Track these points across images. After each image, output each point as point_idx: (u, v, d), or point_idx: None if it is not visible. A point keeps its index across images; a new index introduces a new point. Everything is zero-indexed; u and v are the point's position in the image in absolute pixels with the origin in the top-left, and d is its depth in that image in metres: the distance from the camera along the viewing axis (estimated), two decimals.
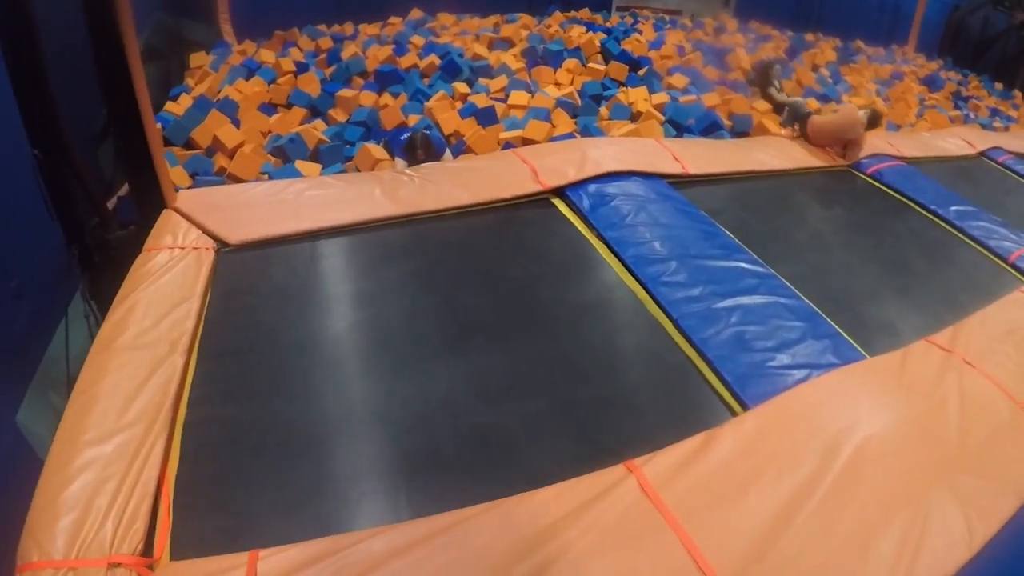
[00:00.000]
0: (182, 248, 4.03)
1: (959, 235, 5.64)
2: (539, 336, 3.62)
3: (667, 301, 3.80)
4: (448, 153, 5.85)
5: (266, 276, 3.99)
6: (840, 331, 3.78)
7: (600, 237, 4.47)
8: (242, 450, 2.84)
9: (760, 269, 4.19)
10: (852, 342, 3.71)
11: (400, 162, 5.58)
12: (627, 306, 3.89)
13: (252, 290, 3.87)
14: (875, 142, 7.13)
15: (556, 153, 5.46)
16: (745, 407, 3.13)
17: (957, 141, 8.44)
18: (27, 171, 3.93)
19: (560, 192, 5.01)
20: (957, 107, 11.35)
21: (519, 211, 4.85)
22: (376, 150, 5.92)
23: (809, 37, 12.94)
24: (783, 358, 3.42)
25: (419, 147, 5.49)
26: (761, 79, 8.68)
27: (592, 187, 4.97)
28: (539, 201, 4.96)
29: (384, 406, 3.10)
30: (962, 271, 5.13)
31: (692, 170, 5.55)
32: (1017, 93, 13.76)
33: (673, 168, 5.48)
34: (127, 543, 2.32)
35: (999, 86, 13.93)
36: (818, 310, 3.92)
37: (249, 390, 3.16)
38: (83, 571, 2.21)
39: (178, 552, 2.39)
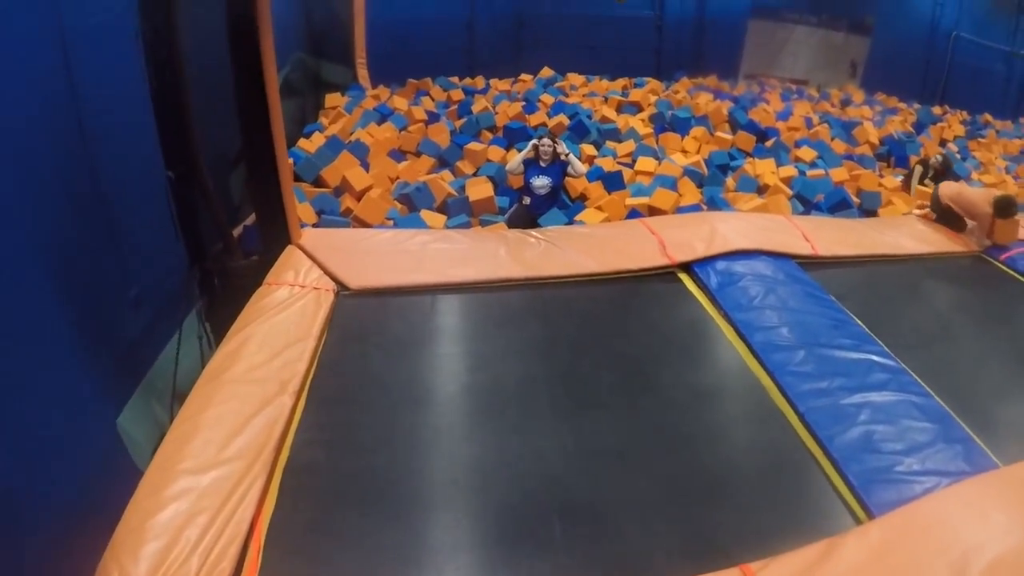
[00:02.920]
0: (303, 287, 4.20)
1: None
2: (656, 417, 3.58)
3: (793, 392, 3.72)
4: (581, 166, 6.25)
5: (383, 325, 4.12)
6: (972, 435, 3.61)
7: (726, 318, 4.43)
8: (341, 502, 2.87)
9: (891, 363, 4.06)
10: (984, 448, 3.53)
11: (520, 156, 6.12)
12: (750, 394, 3.83)
13: (368, 338, 3.98)
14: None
15: (684, 226, 5.47)
16: (870, 514, 3.00)
17: None
18: (160, 191, 4.19)
19: (687, 267, 5.01)
20: None
21: (644, 284, 4.87)
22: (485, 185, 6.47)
23: (936, 110, 12.61)
24: (912, 463, 3.27)
25: (548, 137, 6.09)
26: (937, 172, 8.39)
27: (720, 264, 4.94)
28: (665, 275, 4.98)
29: (489, 474, 3.10)
30: None
31: (822, 251, 5.45)
32: None
33: (803, 248, 5.40)
34: None
35: None
36: (949, 410, 3.77)
37: (355, 441, 3.22)
38: None
39: None
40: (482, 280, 4.62)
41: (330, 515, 2.80)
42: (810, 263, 5.30)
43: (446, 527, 2.84)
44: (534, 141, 6.16)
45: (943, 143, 10.79)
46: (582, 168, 6.34)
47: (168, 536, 2.44)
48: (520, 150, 7.62)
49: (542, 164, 6.12)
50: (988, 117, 13.41)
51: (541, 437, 3.35)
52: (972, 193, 6.58)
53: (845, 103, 11.71)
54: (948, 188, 6.64)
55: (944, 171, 8.32)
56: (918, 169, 8.41)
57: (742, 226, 5.48)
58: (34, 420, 2.68)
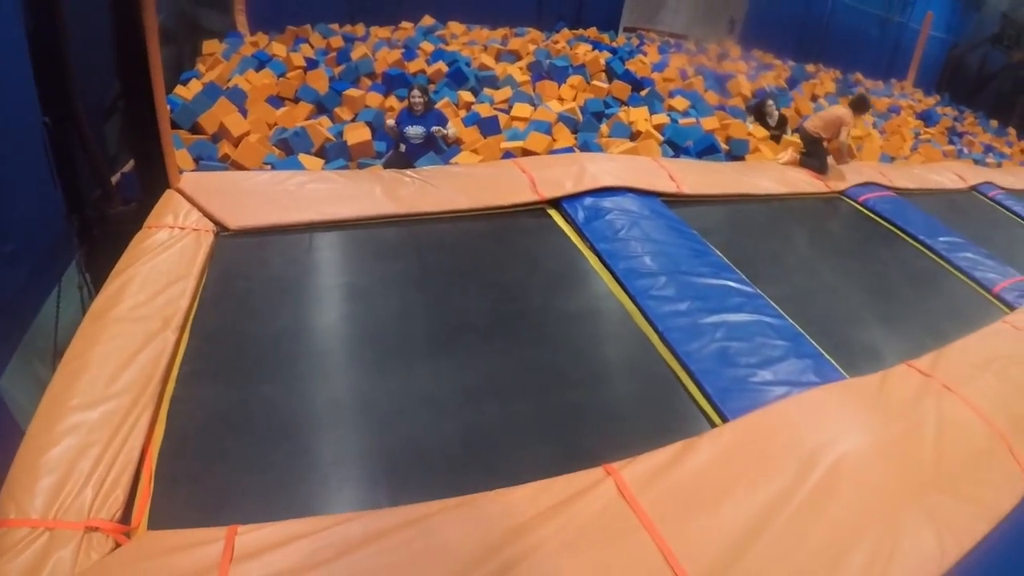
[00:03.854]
0: (182, 228, 4.11)
1: (945, 265, 5.77)
2: (526, 341, 3.69)
3: (654, 314, 3.88)
4: (453, 130, 6.29)
5: (262, 263, 4.08)
6: (822, 352, 3.85)
7: (592, 249, 4.56)
8: (227, 428, 2.91)
9: (747, 288, 4.28)
10: (833, 363, 3.78)
11: (391, 122, 6.16)
12: (615, 317, 3.98)
13: (247, 275, 3.95)
14: (868, 172, 7.28)
15: (555, 165, 5.57)
16: (725, 420, 3.20)
17: (949, 175, 8.62)
18: (35, 138, 3.95)
19: (556, 203, 5.12)
20: (952, 142, 11.54)
21: (515, 219, 4.95)
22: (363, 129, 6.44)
23: (810, 68, 13.14)
24: (765, 375, 3.49)
25: (418, 89, 6.05)
26: (757, 113, 8.80)
27: (588, 200, 5.08)
28: (535, 211, 5.08)
29: (368, 397, 3.17)
30: (946, 300, 5.26)
31: (687, 190, 5.66)
32: (1011, 130, 14.01)
33: (668, 187, 5.59)
34: (106, 509, 2.37)
35: (994, 123, 14.18)
36: (802, 331, 4.00)
37: (238, 371, 3.23)
38: (59, 532, 2.26)
39: (157, 522, 2.44)
40: (358, 217, 4.62)
41: (217, 441, 2.84)
42: (675, 201, 5.51)
43: (327, 446, 2.89)
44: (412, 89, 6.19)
45: (814, 99, 11.24)
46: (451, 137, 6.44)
47: (61, 470, 2.45)
48: (400, 97, 7.56)
49: (415, 114, 6.11)
50: (859, 76, 14.08)
51: (417, 362, 3.43)
52: (830, 109, 7.29)
53: (722, 58, 12.01)
54: (811, 119, 7.20)
55: (760, 112, 8.77)
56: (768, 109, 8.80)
57: (610, 166, 5.64)
58: None
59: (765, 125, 8.51)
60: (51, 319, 3.87)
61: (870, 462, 3.00)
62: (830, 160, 7.19)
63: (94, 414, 2.70)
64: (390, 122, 6.25)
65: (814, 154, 7.15)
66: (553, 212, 5.08)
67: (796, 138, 7.93)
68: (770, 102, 8.77)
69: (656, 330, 3.80)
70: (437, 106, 7.05)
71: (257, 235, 4.34)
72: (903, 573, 2.55)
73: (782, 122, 8.64)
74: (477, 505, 2.51)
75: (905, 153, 9.81)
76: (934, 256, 5.88)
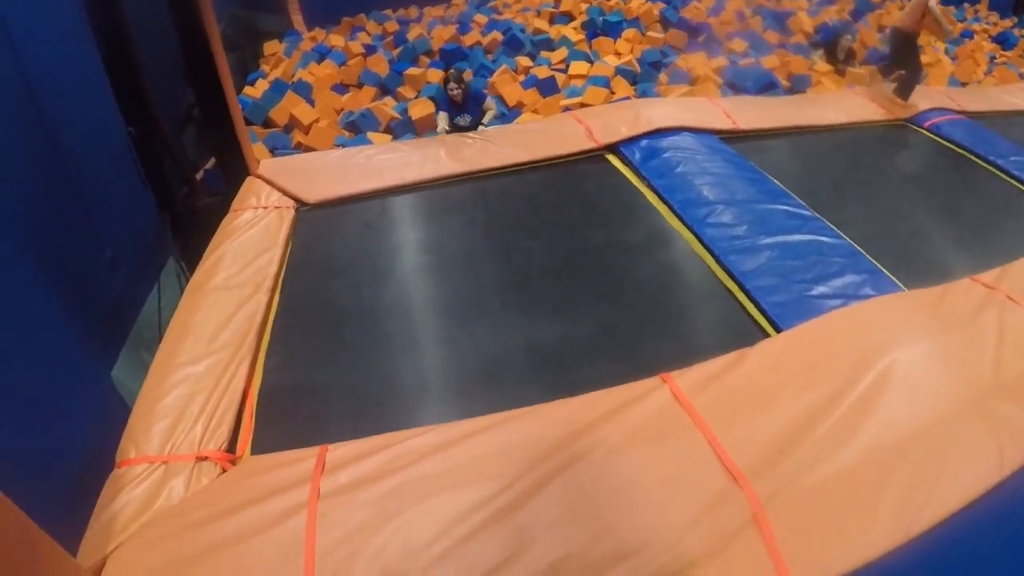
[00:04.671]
0: (265, 207, 4.49)
1: (1018, 185, 5.59)
2: (587, 273, 3.91)
3: (710, 239, 4.03)
4: (491, 101, 6.23)
5: (341, 229, 4.42)
6: (881, 268, 3.87)
7: (650, 186, 4.72)
8: (318, 369, 3.24)
9: (805, 212, 4.34)
10: (893, 279, 3.79)
11: (443, 115, 5.99)
12: (673, 245, 4.14)
13: (328, 241, 4.29)
14: (936, 97, 7.12)
15: (610, 113, 5.73)
16: (779, 331, 3.31)
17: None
18: (122, 149, 4.38)
19: (613, 148, 5.28)
20: None
21: (574, 167, 5.15)
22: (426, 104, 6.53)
23: None
24: (820, 289, 3.57)
25: (452, 80, 5.86)
26: (828, 49, 8.65)
27: (644, 142, 5.23)
28: (593, 157, 5.26)
29: (444, 332, 3.47)
30: (1018, 219, 5.10)
31: (743, 125, 5.71)
32: None
33: (724, 124, 5.66)
34: (213, 442, 2.72)
35: None
36: (861, 250, 4.03)
37: (324, 322, 3.57)
38: (173, 464, 2.60)
39: (259, 451, 2.77)
40: (426, 179, 4.91)
41: (310, 380, 3.19)
42: (732, 137, 5.57)
43: (408, 375, 3.21)
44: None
45: (880, 29, 10.92)
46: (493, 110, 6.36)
47: (173, 416, 2.81)
48: (460, 69, 7.74)
49: (456, 104, 6.06)
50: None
51: (488, 298, 3.73)
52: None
53: None
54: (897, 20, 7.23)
55: (834, 48, 8.57)
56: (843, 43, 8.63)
57: (665, 108, 5.74)
58: (33, 387, 2.88)
59: (834, 59, 8.38)
60: (154, 312, 4.25)
61: (925, 367, 3.00)
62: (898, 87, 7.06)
63: (199, 368, 3.07)
64: (442, 125, 6.05)
65: (906, 63, 7.03)
66: (611, 157, 5.25)
67: (864, 70, 7.84)
68: (848, 36, 8.60)
69: (712, 254, 3.94)
70: (495, 75, 7.23)
71: (334, 206, 4.68)
72: (957, 476, 2.53)
73: (850, 56, 8.49)
74: (540, 413, 2.73)
75: (979, 77, 9.45)
76: (1006, 176, 5.67)
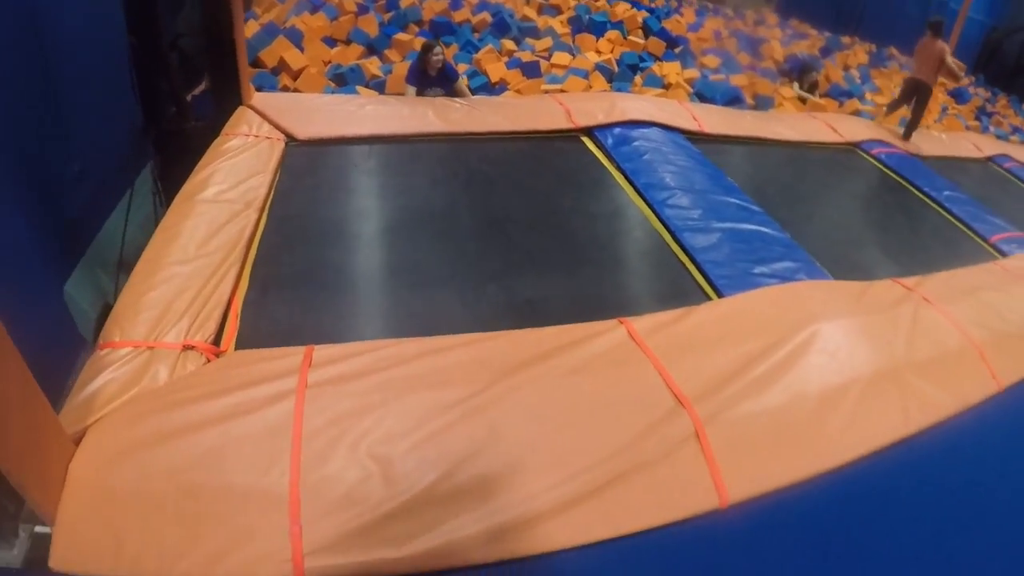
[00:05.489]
0: (256, 136, 4.72)
1: (946, 214, 6.11)
2: (559, 231, 4.29)
3: (668, 217, 4.46)
4: (464, 79, 6.44)
5: (328, 166, 4.70)
6: (815, 261, 4.32)
7: (619, 168, 5.15)
8: (301, 282, 3.50)
9: (754, 207, 4.79)
10: (824, 271, 4.24)
11: (410, 88, 6.09)
12: (634, 219, 4.56)
13: (316, 175, 4.57)
14: (883, 133, 7.70)
15: (589, 100, 6.17)
16: (722, 297, 3.75)
17: (966, 144, 8.90)
18: (119, 57, 4.37)
19: (588, 132, 5.70)
20: (978, 119, 11.75)
21: (551, 142, 5.56)
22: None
23: (845, 40, 13.37)
24: (761, 269, 4.00)
25: (436, 50, 6.00)
26: (800, 74, 9.29)
27: (617, 130, 5.66)
28: (569, 137, 5.67)
29: (422, 265, 3.77)
30: (943, 242, 5.60)
31: (707, 129, 6.19)
32: None
33: (691, 125, 6.13)
34: (200, 335, 2.87)
35: None
36: (799, 244, 4.49)
37: (310, 243, 3.84)
38: (159, 351, 2.72)
39: (243, 348, 2.95)
40: (413, 133, 5.23)
41: (295, 292, 3.41)
42: (696, 138, 6.02)
43: (395, 297, 3.51)
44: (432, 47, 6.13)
45: (846, 68, 11.56)
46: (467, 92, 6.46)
47: (160, 307, 2.94)
48: (446, 44, 8.05)
49: (432, 74, 6.11)
50: (894, 50, 14.25)
51: (465, 241, 4.06)
52: (922, 52, 7.96)
53: (758, 23, 12.33)
54: (914, 70, 8.10)
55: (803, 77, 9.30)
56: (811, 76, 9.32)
57: (639, 103, 6.19)
58: None
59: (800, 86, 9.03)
60: (118, 233, 4.10)
61: (845, 336, 3.38)
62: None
63: (187, 268, 3.22)
64: (410, 87, 6.09)
65: (918, 107, 7.95)
66: (585, 139, 5.66)
67: (824, 101, 8.46)
68: (815, 72, 9.31)
69: (669, 230, 4.36)
70: (481, 52, 7.57)
71: (323, 145, 4.95)
72: (868, 425, 2.96)
73: (813, 87, 9.14)
74: (513, 336, 3.06)
75: (928, 123, 10.13)
76: (936, 206, 6.22)
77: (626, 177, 5.01)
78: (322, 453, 2.30)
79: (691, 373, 2.95)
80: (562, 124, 5.67)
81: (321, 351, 2.79)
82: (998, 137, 10.81)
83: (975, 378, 3.60)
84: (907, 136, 7.86)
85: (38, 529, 2.05)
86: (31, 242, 3.11)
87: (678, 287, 3.89)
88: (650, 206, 4.63)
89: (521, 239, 4.13)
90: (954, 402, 3.34)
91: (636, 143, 5.42)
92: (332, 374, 2.66)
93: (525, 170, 5.05)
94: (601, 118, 5.75)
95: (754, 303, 3.62)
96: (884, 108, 8.58)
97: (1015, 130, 12.17)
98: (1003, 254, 5.59)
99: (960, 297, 4.20)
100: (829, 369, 3.16)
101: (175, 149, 4.95)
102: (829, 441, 2.87)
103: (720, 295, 3.77)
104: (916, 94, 7.96)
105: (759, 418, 2.84)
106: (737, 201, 4.81)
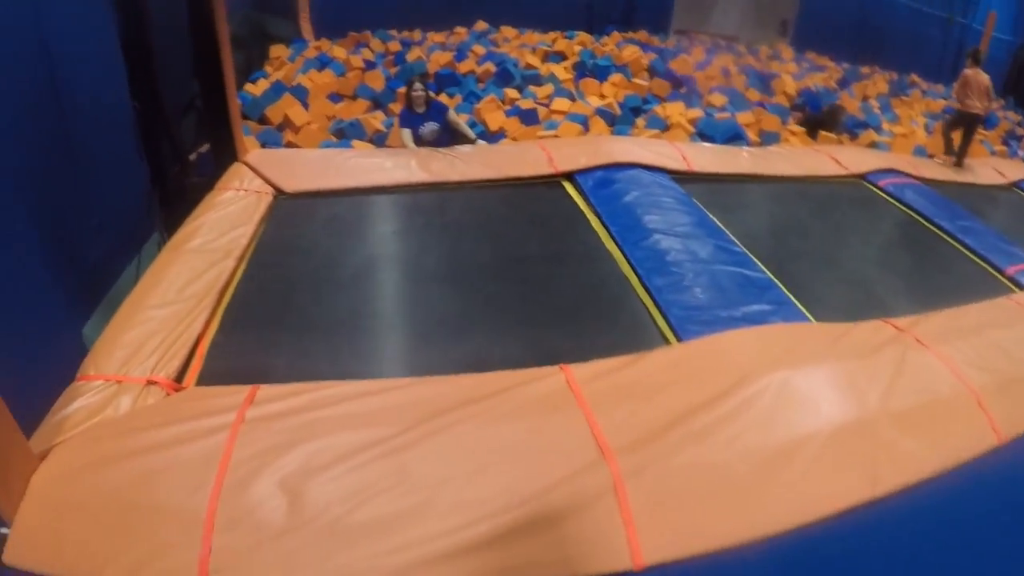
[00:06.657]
0: (246, 191, 4.98)
1: (959, 247, 5.78)
2: (521, 276, 4.34)
3: (637, 260, 4.38)
4: (451, 113, 6.44)
5: (312, 217, 4.91)
6: (795, 302, 4.14)
7: (595, 212, 5.11)
8: (271, 328, 3.68)
9: (735, 248, 4.66)
10: (804, 311, 4.06)
11: (404, 132, 6.16)
12: (603, 264, 4.50)
13: (299, 225, 4.79)
14: (895, 160, 7.48)
15: (573, 145, 6.22)
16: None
17: (988, 170, 8.58)
18: (125, 121, 4.70)
19: (570, 176, 5.69)
20: (1007, 144, 11.36)
21: (530, 188, 5.59)
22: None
23: (864, 70, 13.17)
24: (730, 312, 3.85)
25: (415, 85, 6.15)
26: (828, 117, 9.21)
27: (599, 173, 5.62)
28: (551, 183, 5.68)
29: (383, 310, 3.96)
30: (953, 277, 5.28)
31: (697, 168, 6.10)
32: None
33: (678, 164, 6.05)
34: (164, 371, 3.12)
35: None
36: (779, 284, 4.32)
37: (282, 290, 4.04)
38: (126, 384, 2.99)
39: (203, 384, 3.18)
40: (395, 183, 5.39)
41: (260, 336, 3.62)
42: (684, 178, 5.93)
43: (353, 341, 3.64)
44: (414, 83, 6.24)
45: (864, 99, 11.35)
46: (470, 133, 6.48)
47: (133, 347, 3.22)
48: (450, 95, 8.14)
49: (418, 112, 6.16)
50: (915, 77, 13.94)
51: (429, 286, 4.17)
52: (968, 83, 8.20)
53: (772, 59, 12.20)
54: (966, 102, 8.26)
55: (831, 119, 9.06)
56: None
57: (624, 145, 6.18)
58: (2, 332, 3.08)
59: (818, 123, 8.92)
60: (132, 280, 4.36)
61: (809, 384, 3.17)
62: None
63: (164, 312, 3.51)
64: (409, 144, 6.08)
65: (966, 137, 8.29)
66: (566, 184, 5.64)
67: (835, 135, 8.33)
68: (843, 120, 9.25)
69: (636, 273, 4.28)
70: (482, 102, 7.62)
71: (309, 197, 5.16)
72: (824, 487, 2.72)
73: (831, 117, 9.03)
74: (451, 381, 3.09)
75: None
76: (948, 237, 5.90)
77: (601, 221, 4.96)
78: (242, 481, 2.46)
79: (622, 423, 2.85)
80: (543, 170, 5.69)
81: (265, 390, 2.96)
82: None
83: (969, 429, 3.29)
84: (960, 163, 8.29)
85: (1, 530, 2.33)
86: (53, 288, 3.54)
87: (638, 332, 3.80)
88: (620, 249, 4.57)
89: (483, 284, 4.19)
90: (939, 458, 3.04)
91: (616, 185, 5.36)
92: (268, 411, 2.82)
93: (499, 217, 5.08)
94: (584, 162, 5.73)
95: (711, 348, 3.47)
96: (950, 158, 8.56)
97: None
98: (1021, 287, 5.21)
99: (961, 337, 3.89)
100: (784, 421, 2.95)
101: (179, 203, 5.21)
102: (775, 502, 2.66)
103: (679, 339, 3.63)
104: (964, 124, 8.21)
105: (694, 473, 2.69)
106: (716, 242, 4.68)
